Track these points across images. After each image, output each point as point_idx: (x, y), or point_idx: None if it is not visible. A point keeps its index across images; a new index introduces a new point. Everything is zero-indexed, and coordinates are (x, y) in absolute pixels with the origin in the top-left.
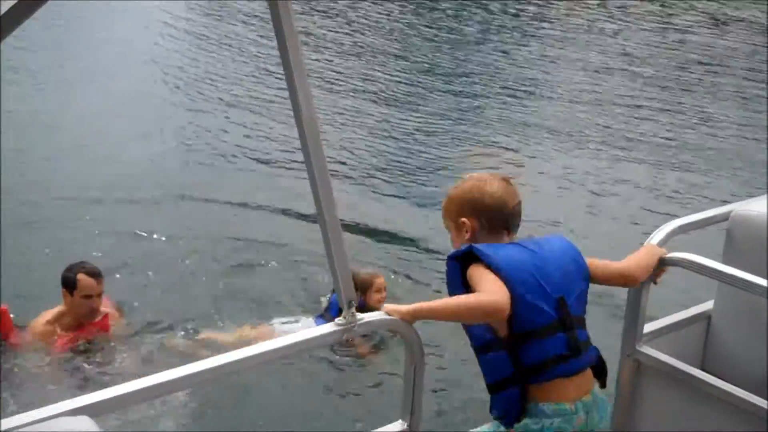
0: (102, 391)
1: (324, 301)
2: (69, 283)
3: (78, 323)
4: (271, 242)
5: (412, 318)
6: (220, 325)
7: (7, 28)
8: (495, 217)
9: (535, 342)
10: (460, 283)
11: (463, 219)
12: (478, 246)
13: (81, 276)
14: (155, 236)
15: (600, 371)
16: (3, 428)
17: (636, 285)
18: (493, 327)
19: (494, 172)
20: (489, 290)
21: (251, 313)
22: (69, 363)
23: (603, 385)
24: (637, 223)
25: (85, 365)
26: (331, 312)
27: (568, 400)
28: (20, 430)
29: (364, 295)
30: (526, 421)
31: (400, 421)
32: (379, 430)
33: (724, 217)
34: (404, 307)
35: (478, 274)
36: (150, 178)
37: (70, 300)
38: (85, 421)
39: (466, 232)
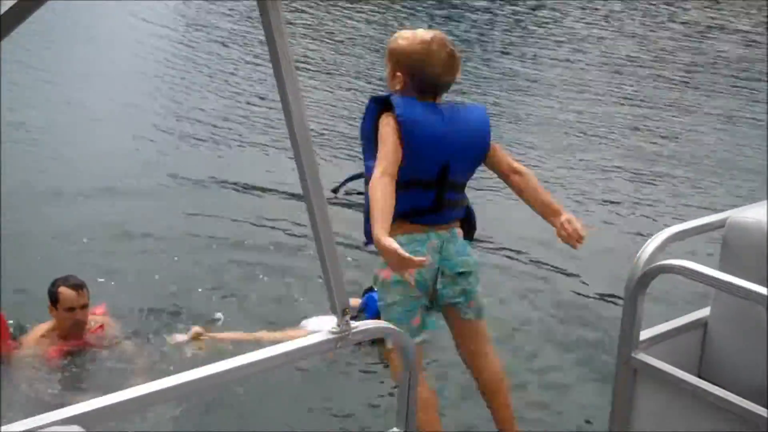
0: (95, 400)
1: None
2: (52, 298)
3: (70, 336)
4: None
5: (384, 239)
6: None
7: (8, 27)
8: (427, 83)
9: (408, 191)
10: (371, 124)
11: (399, 73)
12: (396, 99)
13: (62, 289)
14: (155, 234)
15: (468, 227)
16: None
17: (517, 186)
18: None
19: (451, 46)
20: (380, 157)
21: (271, 312)
22: (59, 373)
23: (470, 238)
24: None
25: (77, 375)
26: (367, 313)
27: (422, 231)
28: None
29: None
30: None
31: (395, 428)
32: None
33: (720, 224)
34: (378, 240)
35: (385, 131)
36: (147, 168)
37: (56, 314)
38: (76, 431)
39: (399, 83)
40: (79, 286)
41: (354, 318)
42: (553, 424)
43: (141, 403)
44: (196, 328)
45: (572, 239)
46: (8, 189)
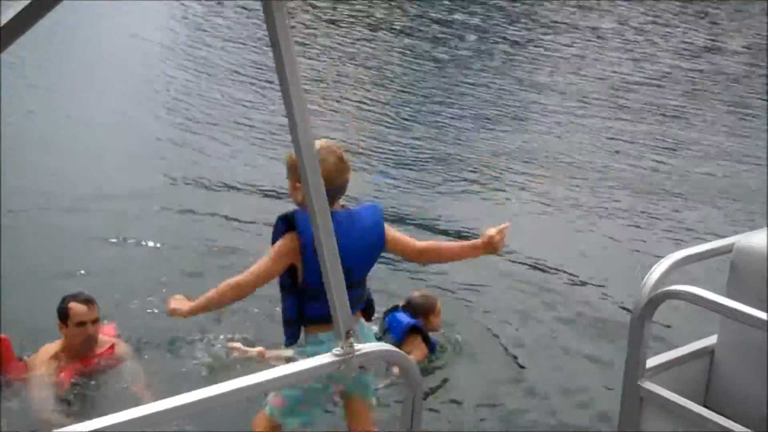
0: (95, 420)
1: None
2: (62, 314)
3: (81, 355)
4: None
5: (191, 315)
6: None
7: (12, 35)
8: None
9: (317, 301)
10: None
11: (299, 185)
12: (298, 216)
13: (72, 304)
14: (153, 243)
15: (367, 310)
16: None
17: (431, 260)
18: (293, 275)
19: (335, 144)
20: (252, 270)
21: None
22: (70, 396)
23: (368, 319)
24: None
25: (87, 398)
26: (392, 334)
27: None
28: None
29: (425, 318)
30: (306, 348)
31: None
32: None
33: (728, 250)
34: (185, 308)
35: (276, 247)
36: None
37: (66, 331)
38: None
39: (300, 194)
40: (89, 301)
41: (379, 339)
42: None
43: (144, 423)
44: (260, 349)
45: (501, 241)
46: (7, 196)
